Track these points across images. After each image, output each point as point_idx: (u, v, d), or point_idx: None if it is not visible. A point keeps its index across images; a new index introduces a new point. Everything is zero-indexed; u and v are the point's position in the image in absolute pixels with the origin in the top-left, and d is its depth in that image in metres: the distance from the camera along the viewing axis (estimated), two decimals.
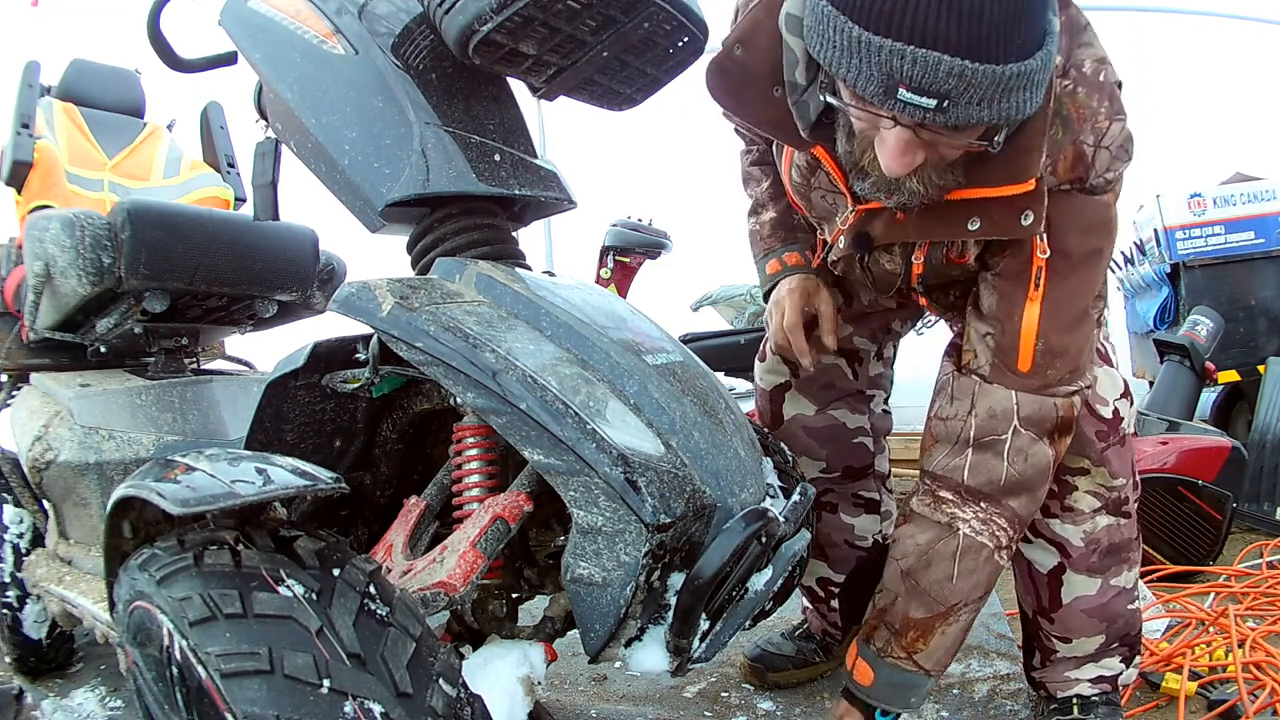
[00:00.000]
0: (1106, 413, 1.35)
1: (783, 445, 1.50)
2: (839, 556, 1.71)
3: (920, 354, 2.05)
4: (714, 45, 1.20)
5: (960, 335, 1.37)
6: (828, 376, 1.62)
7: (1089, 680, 1.45)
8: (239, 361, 2.33)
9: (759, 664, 1.75)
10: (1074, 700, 1.46)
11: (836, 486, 1.68)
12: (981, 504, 1.26)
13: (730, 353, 3.51)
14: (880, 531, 1.72)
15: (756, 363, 1.70)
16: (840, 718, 1.36)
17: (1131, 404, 1.40)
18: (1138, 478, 1.43)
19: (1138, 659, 1.49)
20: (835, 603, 1.73)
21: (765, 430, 1.56)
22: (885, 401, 1.74)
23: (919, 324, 1.71)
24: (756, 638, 1.83)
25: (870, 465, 1.69)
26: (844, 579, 1.71)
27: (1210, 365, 2.99)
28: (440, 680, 0.84)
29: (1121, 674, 1.46)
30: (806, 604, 1.82)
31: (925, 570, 1.27)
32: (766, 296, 1.55)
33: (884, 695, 1.31)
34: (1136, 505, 1.43)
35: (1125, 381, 1.39)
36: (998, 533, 1.26)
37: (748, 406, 3.42)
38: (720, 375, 3.15)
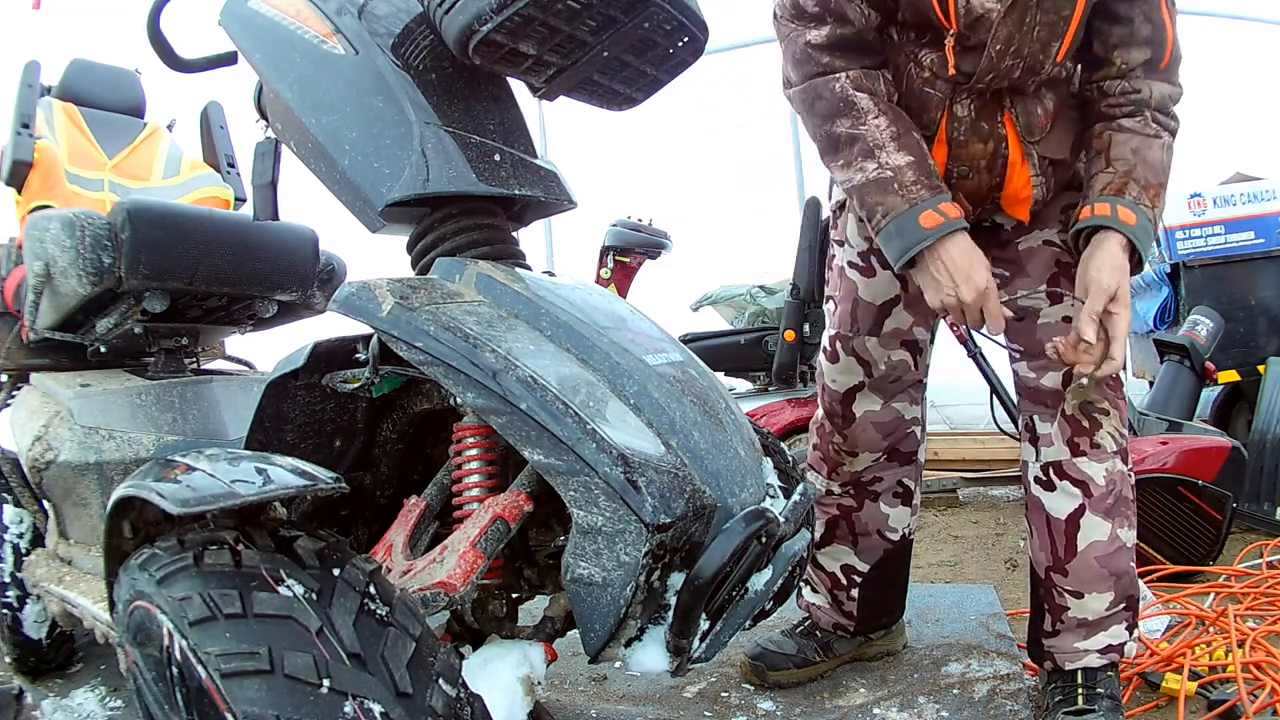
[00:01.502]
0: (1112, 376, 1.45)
1: (783, 445, 1.50)
2: (868, 545, 1.74)
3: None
4: (714, 44, 1.20)
5: None
6: (896, 372, 1.65)
7: (1098, 650, 1.49)
8: (239, 361, 2.33)
9: (759, 662, 1.76)
10: (1079, 689, 1.48)
11: (884, 472, 1.72)
12: (1166, 132, 1.41)
13: (730, 353, 3.51)
14: (908, 525, 1.77)
15: (826, 363, 1.68)
16: (1112, 248, 1.32)
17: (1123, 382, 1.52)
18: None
19: (1138, 630, 1.55)
20: (855, 592, 1.76)
21: (766, 430, 1.56)
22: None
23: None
24: (757, 636, 1.83)
25: (915, 452, 1.74)
26: (868, 569, 1.75)
27: (1210, 365, 2.99)
28: (440, 680, 0.84)
29: (1126, 644, 1.52)
30: (814, 600, 1.82)
31: (1149, 150, 1.38)
32: (909, 264, 1.34)
33: (1142, 236, 1.34)
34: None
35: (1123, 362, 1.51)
36: (1172, 144, 1.43)
37: (748, 406, 3.44)
38: (720, 375, 3.16)
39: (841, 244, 1.67)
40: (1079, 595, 1.50)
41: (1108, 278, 1.29)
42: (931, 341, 1.72)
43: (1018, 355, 1.55)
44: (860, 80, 1.35)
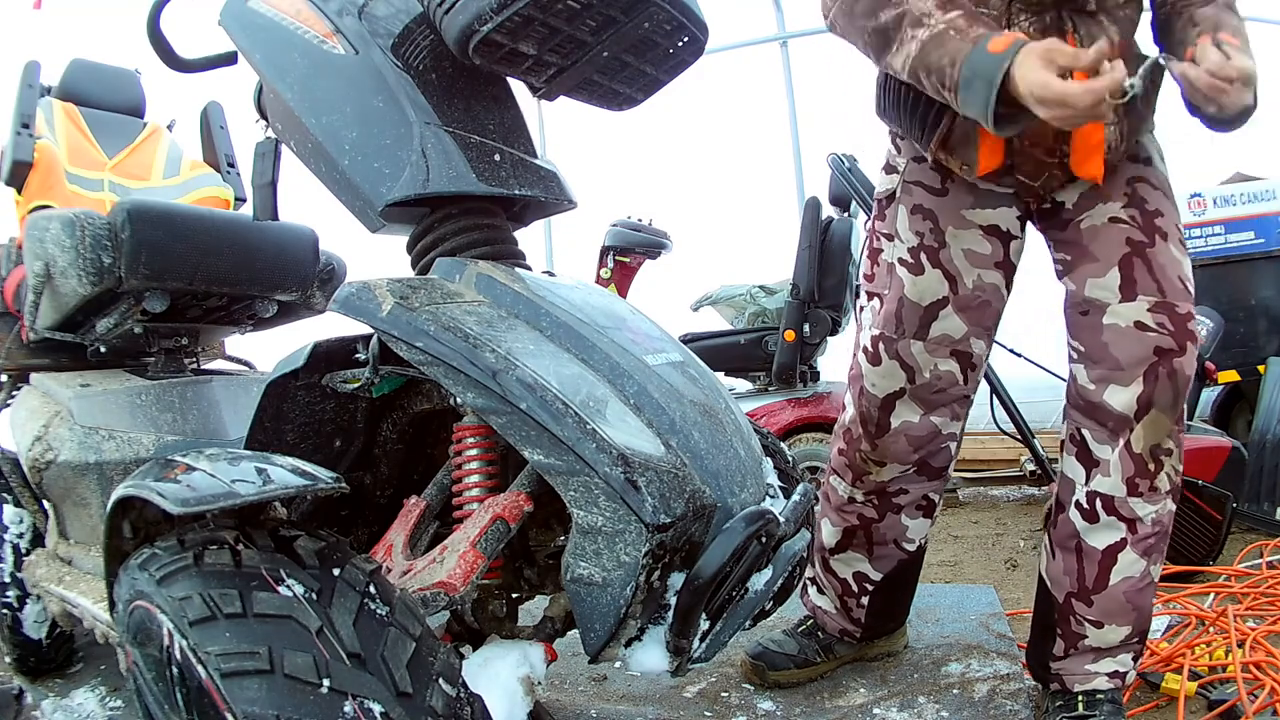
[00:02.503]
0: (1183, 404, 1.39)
1: (782, 445, 1.50)
2: (884, 555, 1.69)
3: None
4: (714, 44, 1.20)
5: None
6: (942, 383, 1.54)
7: (1106, 675, 1.45)
8: (239, 361, 2.33)
9: (760, 661, 1.74)
10: (1079, 697, 1.46)
11: (910, 485, 1.63)
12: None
13: (730, 353, 3.51)
14: (924, 536, 1.71)
15: (866, 364, 1.57)
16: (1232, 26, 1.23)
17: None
18: None
19: (1141, 658, 1.50)
20: (866, 600, 1.71)
21: (766, 430, 1.56)
22: None
23: None
24: (757, 635, 1.83)
25: (945, 468, 1.64)
26: (881, 578, 1.70)
27: (1210, 365, 2.99)
28: (440, 680, 0.84)
29: (1129, 672, 1.48)
30: (820, 604, 1.79)
31: (1228, 16, 1.29)
32: (1002, 115, 1.19)
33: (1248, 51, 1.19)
34: None
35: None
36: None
37: (748, 406, 3.43)
38: (720, 375, 3.16)
39: (891, 238, 1.56)
40: (1099, 625, 1.44)
41: (1249, 60, 1.14)
42: (987, 356, 1.60)
43: (1076, 356, 1.43)
44: None
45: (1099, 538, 1.43)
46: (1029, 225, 1.55)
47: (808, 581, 1.81)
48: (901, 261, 1.53)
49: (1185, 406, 1.39)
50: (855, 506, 1.66)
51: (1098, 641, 1.45)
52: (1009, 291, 1.57)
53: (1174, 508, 1.43)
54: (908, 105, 1.42)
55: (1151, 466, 1.38)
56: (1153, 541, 1.41)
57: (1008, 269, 1.53)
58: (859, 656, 1.80)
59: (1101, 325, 1.37)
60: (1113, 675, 1.46)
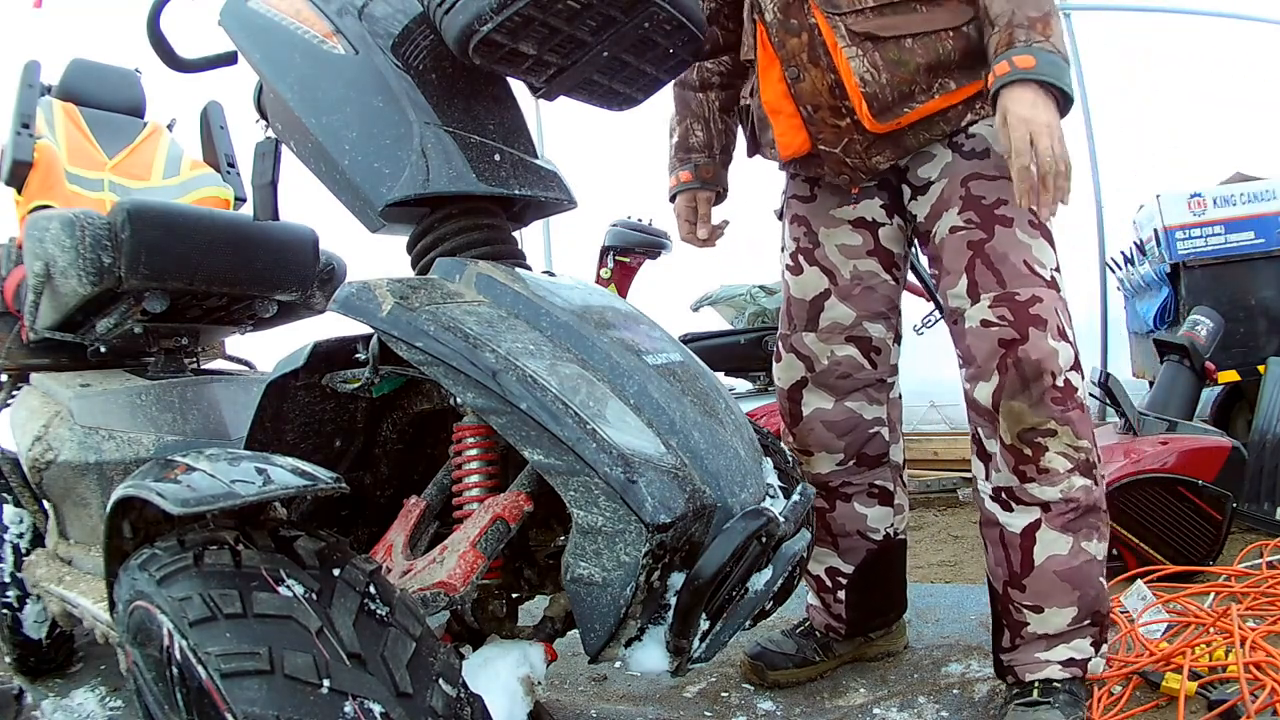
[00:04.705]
0: (1059, 382, 1.38)
1: (783, 445, 1.50)
2: (849, 546, 1.71)
3: (920, 354, 2.05)
4: None
5: None
6: (844, 368, 1.63)
7: (1059, 663, 1.43)
8: (239, 361, 2.33)
9: (759, 662, 1.75)
10: (1035, 685, 1.43)
11: (853, 477, 1.69)
12: None
13: (730, 353, 3.51)
14: (892, 525, 1.73)
15: (774, 364, 1.72)
16: (1024, 101, 1.27)
17: (1083, 377, 1.43)
18: (1099, 450, 1.45)
19: (1105, 646, 1.48)
20: (842, 594, 1.73)
21: (766, 430, 1.56)
22: (896, 388, 1.74)
23: (919, 323, 1.73)
24: (757, 636, 1.83)
25: (885, 454, 1.70)
26: (853, 570, 1.72)
27: (1210, 365, 2.99)
28: (440, 680, 0.84)
29: (1091, 659, 1.45)
30: (811, 600, 1.81)
31: None
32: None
33: (1050, 71, 1.27)
34: (1104, 479, 1.46)
35: (1076, 356, 1.41)
36: None
37: (748, 406, 3.43)
38: (720, 375, 3.16)
39: (782, 250, 1.72)
40: (1038, 610, 1.43)
41: (1018, 128, 1.24)
42: (896, 341, 1.68)
43: (959, 362, 1.49)
44: (685, 78, 1.72)
45: (1013, 520, 1.44)
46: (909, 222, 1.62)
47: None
48: (787, 267, 1.70)
49: (1063, 386, 1.38)
50: None
51: (1042, 627, 1.44)
52: (896, 276, 1.66)
53: (1086, 483, 1.41)
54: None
55: (1029, 452, 1.39)
56: (1071, 517, 1.41)
57: (883, 255, 1.62)
58: (858, 655, 1.81)
59: (965, 330, 1.44)
60: (1068, 663, 1.43)
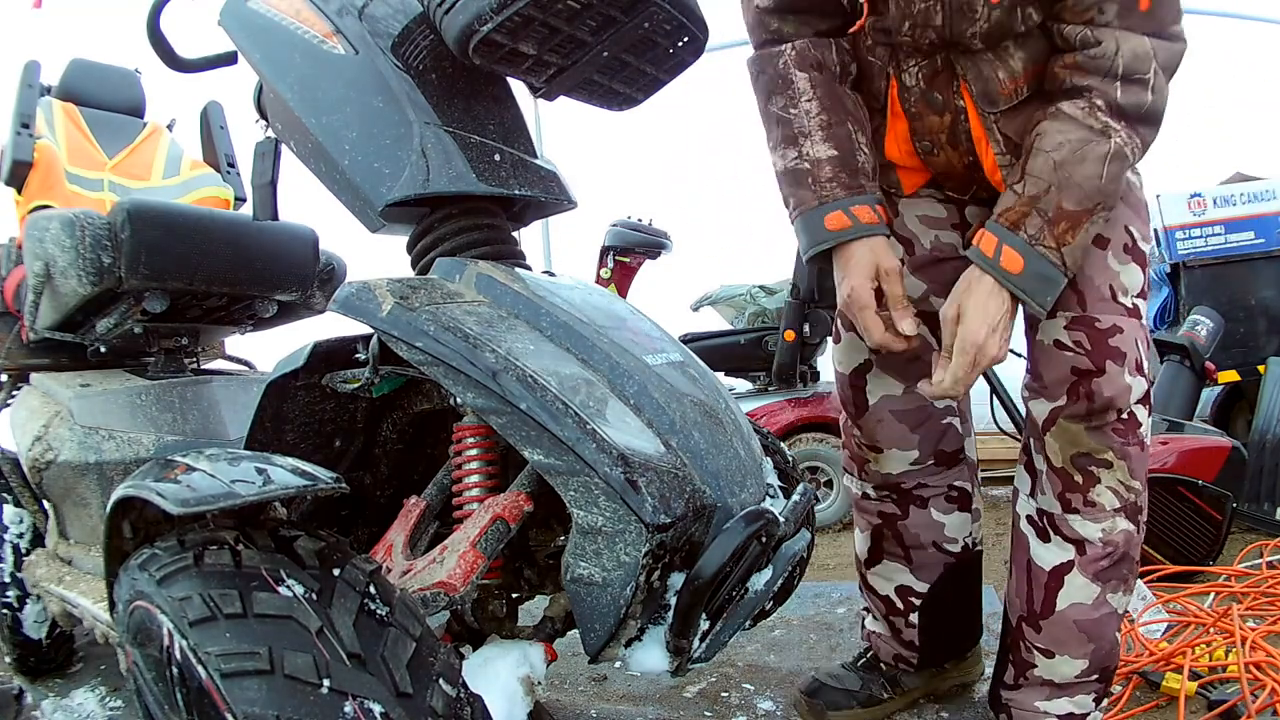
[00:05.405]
0: (1124, 415, 1.29)
1: (782, 445, 1.49)
2: (924, 561, 1.52)
3: None
4: (714, 44, 1.20)
5: None
6: (913, 350, 1.41)
7: (1058, 716, 1.36)
8: (239, 361, 2.33)
9: (817, 701, 1.55)
10: None
11: (930, 479, 1.50)
12: (1124, 121, 1.18)
13: (730, 353, 3.52)
14: (970, 534, 1.54)
15: (834, 347, 1.52)
16: (986, 296, 1.18)
17: (1150, 413, 1.33)
18: (1146, 494, 1.35)
19: (1106, 701, 1.41)
20: (915, 617, 1.54)
21: (766, 430, 1.56)
22: None
23: None
24: (813, 670, 1.67)
25: (961, 450, 1.52)
26: (927, 589, 1.53)
27: (1210, 365, 2.99)
28: (440, 680, 0.84)
29: (1090, 714, 1.38)
30: (874, 627, 1.62)
31: (1079, 165, 1.17)
32: (816, 258, 1.31)
33: (1031, 286, 1.18)
34: (1144, 526, 1.36)
35: (1148, 390, 1.32)
36: (1136, 151, 1.19)
37: (748, 406, 3.43)
38: (720, 375, 3.16)
39: None
40: (1049, 654, 1.35)
41: (973, 331, 1.17)
42: None
43: (1026, 366, 1.39)
44: (806, 53, 1.28)
45: (1048, 557, 1.35)
46: None
47: (864, 610, 1.67)
48: None
49: (1128, 414, 1.29)
50: (872, 503, 1.54)
51: (1049, 673, 1.36)
52: None
53: (1129, 528, 1.31)
54: None
55: (1080, 479, 1.29)
56: (1105, 565, 1.31)
57: (965, 230, 1.43)
58: (930, 690, 1.64)
59: (1036, 342, 1.34)
60: (1066, 717, 1.36)
